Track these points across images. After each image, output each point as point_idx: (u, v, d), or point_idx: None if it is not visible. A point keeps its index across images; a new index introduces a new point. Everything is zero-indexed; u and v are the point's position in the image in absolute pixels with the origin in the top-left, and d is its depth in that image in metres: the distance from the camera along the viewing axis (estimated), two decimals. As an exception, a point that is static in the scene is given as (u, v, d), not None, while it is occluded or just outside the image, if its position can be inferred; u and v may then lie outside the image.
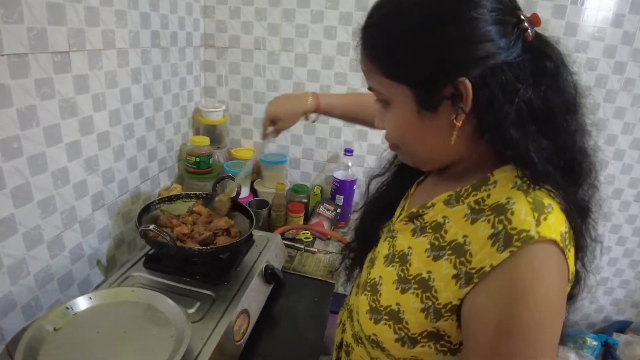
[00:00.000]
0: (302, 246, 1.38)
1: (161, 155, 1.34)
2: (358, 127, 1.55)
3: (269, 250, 1.13)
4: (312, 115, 1.04)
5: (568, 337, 1.67)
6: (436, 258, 0.57)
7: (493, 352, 0.48)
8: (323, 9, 1.44)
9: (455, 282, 0.52)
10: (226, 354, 0.84)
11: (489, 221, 0.51)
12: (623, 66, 1.40)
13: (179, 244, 0.98)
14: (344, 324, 0.84)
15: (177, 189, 1.35)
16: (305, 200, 1.54)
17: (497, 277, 0.48)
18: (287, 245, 1.35)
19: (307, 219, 1.54)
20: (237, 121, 1.64)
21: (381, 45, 0.56)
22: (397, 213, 0.75)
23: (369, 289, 0.68)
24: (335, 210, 1.50)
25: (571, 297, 0.60)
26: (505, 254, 0.47)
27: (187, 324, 0.76)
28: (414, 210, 0.65)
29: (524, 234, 0.47)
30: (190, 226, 1.05)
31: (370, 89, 0.61)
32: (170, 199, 1.14)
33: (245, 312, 0.93)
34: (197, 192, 1.17)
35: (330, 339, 0.93)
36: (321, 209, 1.51)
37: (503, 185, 0.54)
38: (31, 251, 0.88)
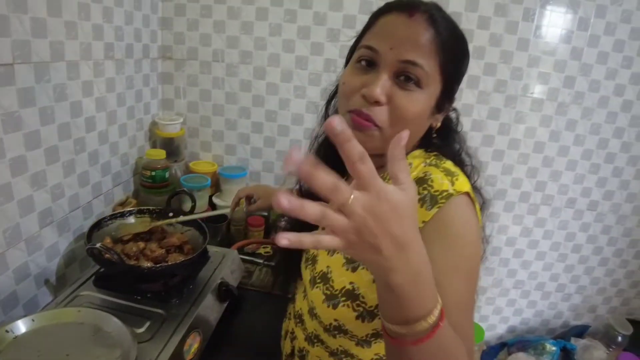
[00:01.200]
0: (261, 261, 1.37)
1: (115, 170, 1.31)
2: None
3: (224, 266, 1.12)
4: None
5: (528, 344, 1.72)
6: None
7: (451, 284, 0.57)
8: (281, 22, 1.46)
9: None
10: (175, 375, 0.83)
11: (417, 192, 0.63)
12: (573, 80, 1.51)
13: (130, 262, 0.97)
14: (292, 333, 0.88)
15: (133, 204, 1.33)
16: (265, 214, 1.54)
17: (430, 227, 0.61)
18: (246, 261, 1.34)
19: (267, 233, 1.53)
20: (196, 134, 1.63)
21: (452, 40, 0.66)
22: None
23: (319, 280, 0.74)
24: (295, 224, 1.51)
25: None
26: (434, 210, 0.62)
27: (134, 345, 0.75)
28: None
29: (445, 193, 0.63)
30: (144, 243, 1.04)
31: (412, 62, 0.63)
32: (123, 214, 1.12)
33: (197, 330, 0.92)
34: (151, 207, 1.15)
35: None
36: (282, 223, 1.51)
37: (417, 165, 0.71)
38: (-31, 272, 0.84)
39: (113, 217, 1.10)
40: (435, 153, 0.73)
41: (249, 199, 1.26)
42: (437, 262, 0.54)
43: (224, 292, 1.05)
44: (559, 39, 1.45)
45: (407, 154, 0.73)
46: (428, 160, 0.71)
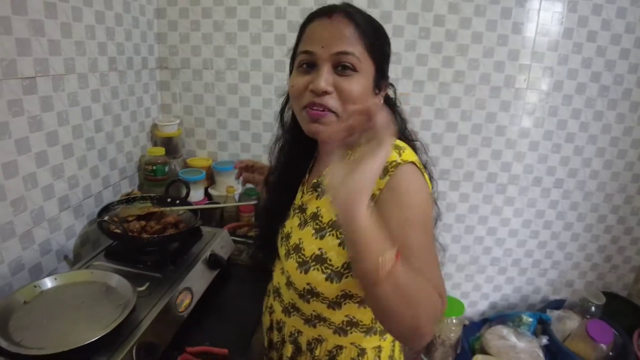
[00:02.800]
0: (251, 242, 1.54)
1: (121, 165, 1.52)
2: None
3: (215, 242, 1.29)
4: None
5: (507, 318, 1.84)
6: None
7: (408, 237, 0.67)
8: (260, 32, 1.67)
9: None
10: (168, 321, 0.99)
11: None
12: (527, 67, 1.66)
13: (131, 234, 1.16)
14: (270, 307, 1.01)
15: (137, 194, 1.53)
16: (256, 202, 1.72)
17: (384, 193, 0.71)
18: (238, 242, 1.50)
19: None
20: (192, 133, 1.84)
21: (370, 27, 0.77)
22: (298, 196, 0.93)
23: (292, 252, 0.84)
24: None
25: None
26: (386, 178, 0.71)
27: (134, 295, 0.91)
28: (315, 180, 0.86)
29: (394, 162, 0.72)
30: (144, 222, 1.23)
31: (343, 52, 0.74)
32: (128, 200, 1.32)
33: (188, 289, 1.09)
34: (152, 194, 1.35)
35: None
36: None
37: None
38: (4, 243, 1.04)
39: (120, 202, 1.30)
40: None
41: (249, 168, 1.28)
42: (393, 219, 0.67)
43: (213, 261, 1.22)
44: (512, 30, 1.61)
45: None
46: None
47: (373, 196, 0.70)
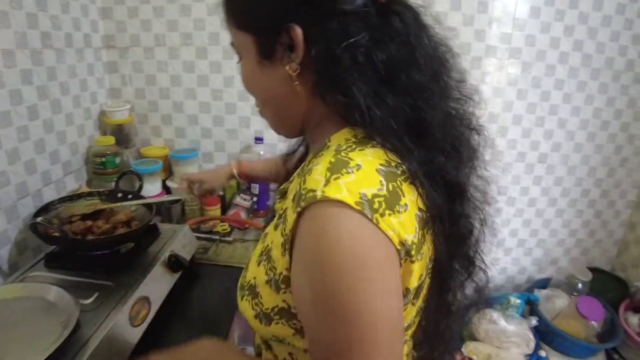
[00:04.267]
0: (217, 237, 1.40)
1: (65, 159, 1.33)
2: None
3: (175, 240, 1.14)
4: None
5: (495, 300, 1.75)
6: (276, 227, 0.56)
7: (316, 328, 0.47)
8: (218, 2, 1.47)
9: (282, 249, 0.52)
10: (121, 338, 0.85)
11: (298, 185, 0.49)
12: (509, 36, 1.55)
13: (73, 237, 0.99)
14: None
15: (85, 191, 1.35)
16: (221, 193, 1.57)
17: (297, 241, 0.48)
18: (202, 238, 1.37)
19: (224, 211, 1.56)
20: (145, 119, 1.65)
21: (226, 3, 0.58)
22: None
23: (246, 267, 0.65)
24: (252, 199, 1.54)
25: (444, 279, 0.57)
26: (294, 216, 0.47)
27: (76, 310, 0.77)
28: (282, 187, 0.65)
29: (310, 194, 0.45)
30: (90, 221, 1.06)
31: (231, 44, 0.61)
32: (72, 197, 1.15)
33: (145, 298, 0.94)
34: (100, 190, 1.18)
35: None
36: (237, 200, 1.54)
37: (331, 148, 0.52)
38: None
39: (62, 200, 1.12)
40: (363, 134, 0.52)
41: (192, 186, 1.18)
42: (301, 295, 0.48)
43: (173, 262, 1.07)
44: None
45: (318, 131, 0.59)
46: (344, 143, 0.52)
47: (288, 236, 0.49)
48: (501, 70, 1.60)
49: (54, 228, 0.92)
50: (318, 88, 0.53)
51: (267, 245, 0.57)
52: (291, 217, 0.48)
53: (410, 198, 0.48)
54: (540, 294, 1.82)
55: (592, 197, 1.84)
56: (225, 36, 1.47)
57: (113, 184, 1.26)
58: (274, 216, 0.63)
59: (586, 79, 1.63)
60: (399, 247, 0.45)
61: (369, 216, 0.43)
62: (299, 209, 0.46)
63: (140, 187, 1.18)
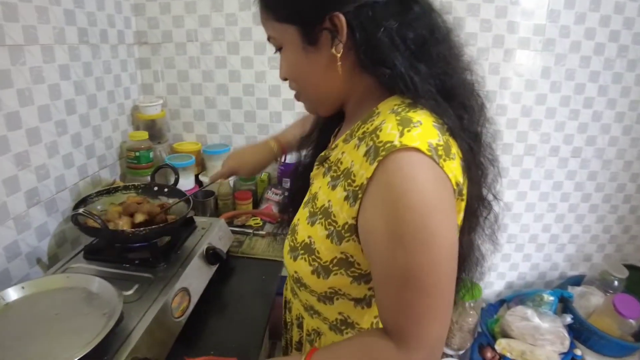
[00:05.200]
0: (250, 231, 1.40)
1: (100, 152, 1.34)
2: (297, 109, 1.60)
3: (211, 233, 1.15)
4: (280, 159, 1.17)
5: (526, 297, 1.73)
6: (334, 187, 0.63)
7: (391, 261, 0.53)
8: (253, -1, 1.47)
9: (347, 202, 0.58)
10: (164, 329, 0.85)
11: (366, 143, 0.57)
12: (542, 27, 1.53)
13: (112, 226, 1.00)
14: (286, 283, 0.90)
15: (119, 185, 1.36)
16: (253, 188, 1.57)
17: (375, 188, 0.54)
18: (236, 232, 1.37)
19: (256, 206, 1.56)
20: (177, 115, 1.66)
21: None
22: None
23: (289, 232, 0.73)
24: (283, 193, 1.54)
25: (474, 216, 0.65)
26: (375, 165, 0.53)
27: (119, 302, 0.77)
28: (322, 154, 0.72)
29: (388, 144, 0.52)
30: (130, 215, 1.06)
31: (269, 39, 0.67)
32: (109, 191, 1.15)
33: (185, 290, 0.94)
34: (136, 184, 1.18)
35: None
36: (269, 194, 1.54)
37: (384, 113, 0.59)
38: (-41, 247, 0.88)
39: (99, 193, 1.13)
40: (410, 100, 0.59)
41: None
42: (376, 233, 0.54)
43: (211, 255, 1.07)
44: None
45: (361, 103, 0.66)
46: (396, 107, 0.58)
47: (361, 186, 0.55)
48: (534, 63, 1.56)
49: (94, 219, 0.92)
50: (363, 65, 0.60)
51: (323, 205, 0.64)
52: (366, 168, 0.54)
53: (456, 148, 0.57)
54: (574, 290, 1.77)
55: (628, 192, 1.79)
56: (257, 31, 1.51)
57: (148, 178, 1.27)
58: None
59: (622, 71, 1.59)
60: (455, 188, 0.55)
61: (436, 160, 0.52)
62: (379, 158, 0.52)
63: (177, 181, 1.18)
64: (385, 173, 0.52)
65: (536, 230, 1.84)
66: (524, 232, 1.84)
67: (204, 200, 1.40)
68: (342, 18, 0.57)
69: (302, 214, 0.70)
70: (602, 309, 1.65)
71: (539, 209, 1.80)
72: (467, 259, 0.69)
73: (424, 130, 0.53)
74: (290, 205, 0.90)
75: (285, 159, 1.17)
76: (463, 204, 0.59)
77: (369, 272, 0.61)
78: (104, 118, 1.35)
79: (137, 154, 1.37)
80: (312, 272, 0.65)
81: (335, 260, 0.63)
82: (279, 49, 0.67)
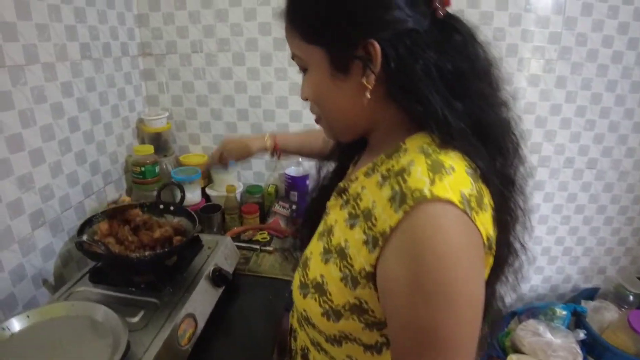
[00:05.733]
0: (257, 247, 1.38)
1: (105, 168, 1.33)
2: (304, 121, 1.58)
3: (217, 253, 1.13)
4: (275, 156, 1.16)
5: (538, 311, 1.68)
6: (352, 226, 0.58)
7: (413, 318, 0.49)
8: (255, 6, 1.45)
9: (365, 247, 0.54)
10: (170, 359, 0.84)
11: (391, 185, 0.53)
12: (558, 35, 1.48)
13: (118, 249, 0.98)
14: (292, 310, 0.85)
15: (127, 201, 1.34)
16: (260, 201, 1.55)
17: (399, 239, 0.49)
18: (243, 247, 1.35)
19: (263, 219, 1.54)
20: (183, 127, 1.64)
21: (300, 9, 0.59)
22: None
23: (301, 265, 0.69)
24: (290, 207, 1.51)
25: (500, 266, 0.60)
26: (400, 214, 0.49)
27: (125, 331, 0.76)
28: (341, 185, 0.68)
29: (417, 193, 0.48)
30: (132, 236, 1.05)
31: (293, 57, 0.63)
32: (114, 211, 1.13)
33: (191, 316, 0.93)
34: (142, 202, 1.16)
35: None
36: (276, 208, 1.52)
37: (412, 150, 0.56)
38: (-38, 276, 0.86)
39: (104, 213, 1.11)
40: (440, 138, 0.54)
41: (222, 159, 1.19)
42: (398, 287, 0.49)
43: (217, 277, 1.05)
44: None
45: (387, 135, 0.62)
46: (426, 147, 0.54)
47: (382, 234, 0.51)
48: (549, 72, 1.52)
49: (97, 246, 0.91)
50: (394, 97, 0.56)
51: (339, 244, 0.60)
52: (390, 215, 0.50)
53: (488, 197, 0.53)
54: (587, 305, 1.73)
55: (645, 203, 1.74)
56: (263, 42, 1.48)
57: (154, 193, 1.25)
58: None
59: (641, 79, 1.54)
60: (485, 242, 0.51)
61: (469, 213, 0.48)
62: (406, 208, 0.48)
63: (183, 199, 1.16)
64: (413, 225, 0.48)
65: (549, 242, 1.80)
66: (536, 245, 1.80)
67: (211, 215, 1.38)
68: (377, 47, 0.53)
69: (316, 247, 0.66)
70: (617, 325, 1.61)
71: (552, 221, 1.76)
72: (489, 308, 0.65)
73: (456, 177, 0.50)
74: (304, 227, 0.85)
75: (279, 157, 1.15)
76: (491, 259, 0.55)
77: (384, 320, 0.57)
78: (108, 133, 1.33)
79: (143, 168, 1.35)
80: (322, 315, 0.61)
81: (348, 305, 0.58)
82: (303, 70, 0.63)
